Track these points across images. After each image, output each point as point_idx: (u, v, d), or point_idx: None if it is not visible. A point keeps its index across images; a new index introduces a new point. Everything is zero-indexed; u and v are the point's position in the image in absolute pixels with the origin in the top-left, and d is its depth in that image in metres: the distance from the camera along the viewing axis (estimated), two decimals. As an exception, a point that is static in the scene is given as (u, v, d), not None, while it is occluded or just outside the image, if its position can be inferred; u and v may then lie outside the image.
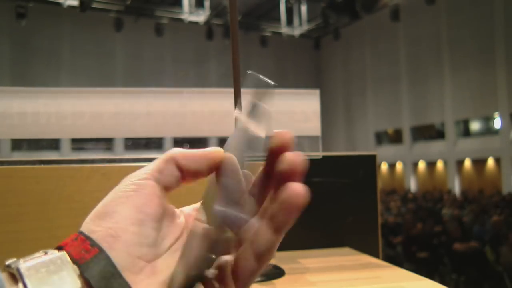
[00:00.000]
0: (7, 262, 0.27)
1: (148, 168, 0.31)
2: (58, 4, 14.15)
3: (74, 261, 0.27)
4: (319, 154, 1.06)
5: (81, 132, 0.93)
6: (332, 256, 1.01)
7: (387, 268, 0.89)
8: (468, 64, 13.72)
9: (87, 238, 0.28)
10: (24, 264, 0.26)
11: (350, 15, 14.41)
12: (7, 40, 14.10)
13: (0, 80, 13.64)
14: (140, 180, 0.30)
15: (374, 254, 1.06)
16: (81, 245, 0.28)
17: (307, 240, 1.08)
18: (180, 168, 0.32)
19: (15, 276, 0.26)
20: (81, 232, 0.29)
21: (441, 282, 0.80)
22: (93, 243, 0.28)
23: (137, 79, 15.30)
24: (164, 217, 0.31)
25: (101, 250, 0.27)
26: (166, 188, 0.31)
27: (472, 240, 5.42)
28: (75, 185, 0.86)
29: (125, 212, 0.29)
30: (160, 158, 0.32)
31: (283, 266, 0.87)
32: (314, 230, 1.10)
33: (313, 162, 1.15)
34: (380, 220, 1.15)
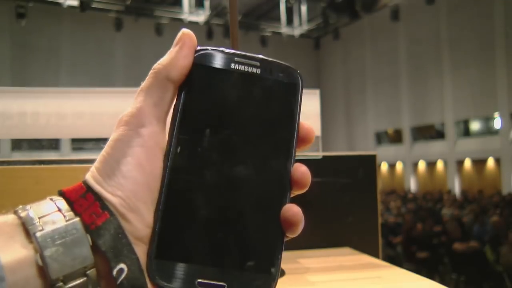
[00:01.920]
0: (16, 209, 0.27)
1: (145, 105, 0.30)
2: (58, 4, 14.14)
3: (85, 225, 0.27)
4: (319, 154, 1.06)
5: (81, 132, 0.93)
6: (332, 256, 1.01)
7: (387, 268, 0.89)
8: (468, 64, 13.72)
9: (97, 199, 0.27)
10: (40, 233, 0.26)
11: (350, 15, 14.38)
12: (7, 40, 14.10)
13: (0, 80, 13.63)
14: (145, 129, 0.29)
15: (374, 254, 1.06)
16: (91, 206, 0.27)
17: (307, 240, 1.07)
18: (173, 80, 0.31)
19: (26, 228, 0.26)
20: (90, 189, 0.28)
21: (441, 282, 0.80)
22: (104, 206, 0.27)
23: (137, 79, 15.09)
24: None
25: (112, 215, 0.27)
26: (166, 115, 0.31)
27: (472, 240, 5.42)
28: (75, 185, 0.85)
29: (134, 176, 0.28)
30: (153, 87, 0.30)
31: (283, 266, 0.87)
32: (314, 230, 1.10)
33: (313, 162, 1.15)
34: (380, 220, 1.15)
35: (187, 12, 14.90)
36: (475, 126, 14.34)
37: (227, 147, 0.30)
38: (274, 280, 0.29)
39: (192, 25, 15.64)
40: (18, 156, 0.92)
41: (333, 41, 17.62)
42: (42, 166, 0.86)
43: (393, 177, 16.95)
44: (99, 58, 15.42)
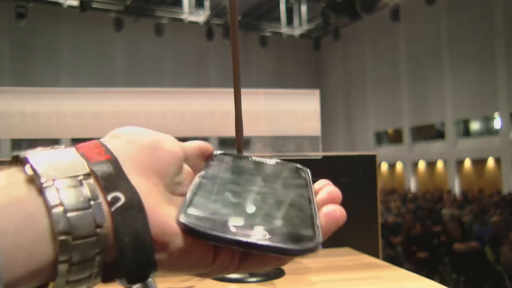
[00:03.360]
0: (15, 153, 0.26)
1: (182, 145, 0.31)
2: (58, 4, 14.15)
3: (85, 158, 0.26)
4: (319, 154, 1.06)
5: (81, 132, 0.93)
6: (332, 256, 1.01)
7: (387, 268, 0.89)
8: (468, 64, 13.73)
9: (103, 145, 0.27)
10: (29, 150, 0.25)
11: (350, 15, 14.38)
12: (7, 40, 14.11)
13: (0, 80, 13.64)
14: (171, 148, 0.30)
15: (374, 254, 1.06)
16: (95, 148, 0.27)
17: (307, 240, 1.07)
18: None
19: (22, 163, 0.25)
20: (98, 140, 0.28)
21: (441, 282, 0.80)
22: (108, 150, 0.27)
23: (137, 79, 15.30)
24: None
25: (113, 157, 0.26)
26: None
27: (472, 240, 5.42)
28: (75, 185, 0.85)
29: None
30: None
31: (283, 266, 0.87)
32: (314, 230, 1.09)
33: (313, 162, 1.15)
34: (380, 220, 1.15)
35: (187, 12, 14.90)
36: (475, 126, 14.35)
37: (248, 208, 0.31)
38: (316, 239, 0.27)
39: (192, 25, 15.65)
40: (18, 156, 0.92)
41: (333, 41, 17.62)
42: (42, 166, 0.86)
43: (393, 177, 16.96)
44: (99, 58, 15.42)
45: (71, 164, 0.25)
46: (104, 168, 0.25)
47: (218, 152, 0.35)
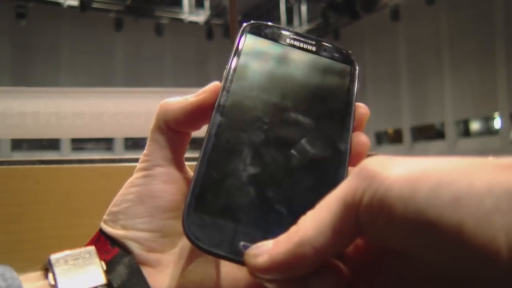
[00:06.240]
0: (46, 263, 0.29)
1: (150, 151, 0.30)
2: (58, 4, 14.14)
3: (100, 262, 0.28)
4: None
5: (81, 132, 0.93)
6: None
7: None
8: (468, 64, 13.73)
9: (108, 238, 0.29)
10: (54, 256, 0.27)
11: (350, 15, 14.38)
12: (7, 40, 14.10)
13: (0, 80, 13.64)
14: (147, 171, 0.30)
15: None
16: (103, 246, 0.29)
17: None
18: (172, 129, 0.31)
19: (48, 269, 0.27)
20: (103, 233, 0.30)
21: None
22: (113, 243, 0.29)
23: (137, 79, 15.28)
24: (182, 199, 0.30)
25: (120, 249, 0.29)
26: (178, 156, 0.31)
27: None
28: (75, 185, 0.86)
29: (134, 211, 0.29)
30: (155, 129, 0.31)
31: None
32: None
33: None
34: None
35: (187, 12, 14.91)
36: (475, 126, 14.35)
37: (282, 108, 0.29)
38: None
39: (192, 25, 15.64)
40: (18, 156, 0.92)
41: (333, 41, 17.60)
42: (42, 166, 0.86)
43: (393, 177, 16.94)
44: (99, 58, 15.41)
45: (88, 274, 0.27)
46: (117, 271, 0.28)
47: (248, 26, 0.30)
